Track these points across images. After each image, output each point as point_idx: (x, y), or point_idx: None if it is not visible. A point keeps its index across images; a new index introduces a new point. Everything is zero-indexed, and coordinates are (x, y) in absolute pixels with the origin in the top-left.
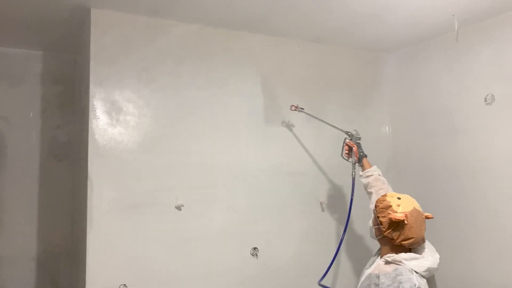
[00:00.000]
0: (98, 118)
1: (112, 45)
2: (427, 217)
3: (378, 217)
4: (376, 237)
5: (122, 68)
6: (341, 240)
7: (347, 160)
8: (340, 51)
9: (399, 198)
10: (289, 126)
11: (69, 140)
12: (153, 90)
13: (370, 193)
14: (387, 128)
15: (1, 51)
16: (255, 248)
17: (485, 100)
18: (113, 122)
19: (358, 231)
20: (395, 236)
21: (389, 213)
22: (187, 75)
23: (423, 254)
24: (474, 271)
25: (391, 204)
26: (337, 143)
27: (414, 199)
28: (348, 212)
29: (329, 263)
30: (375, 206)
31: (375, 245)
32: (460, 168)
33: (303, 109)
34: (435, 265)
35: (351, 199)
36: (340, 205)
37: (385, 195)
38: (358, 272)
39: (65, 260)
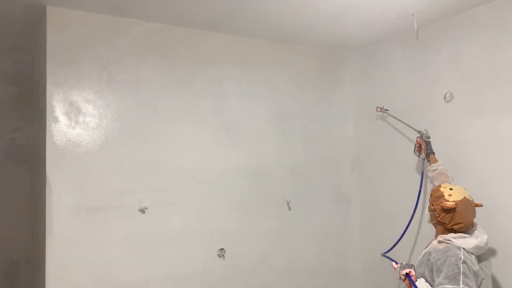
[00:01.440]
0: (56, 119)
1: (70, 44)
2: (476, 205)
3: (432, 204)
4: (431, 221)
5: (81, 68)
6: (409, 222)
7: (418, 156)
8: (304, 50)
9: (451, 189)
10: (253, 126)
11: (27, 143)
12: (113, 90)
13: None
14: (351, 126)
15: None
16: (221, 249)
17: (445, 98)
18: (72, 123)
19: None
20: (447, 221)
21: (442, 201)
22: (149, 74)
23: (473, 234)
24: None
25: (444, 194)
26: (302, 142)
27: (465, 190)
28: (416, 201)
29: (395, 242)
30: (430, 195)
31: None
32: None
33: (387, 110)
34: (482, 244)
35: (420, 191)
36: (306, 203)
37: (439, 186)
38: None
39: (25, 267)
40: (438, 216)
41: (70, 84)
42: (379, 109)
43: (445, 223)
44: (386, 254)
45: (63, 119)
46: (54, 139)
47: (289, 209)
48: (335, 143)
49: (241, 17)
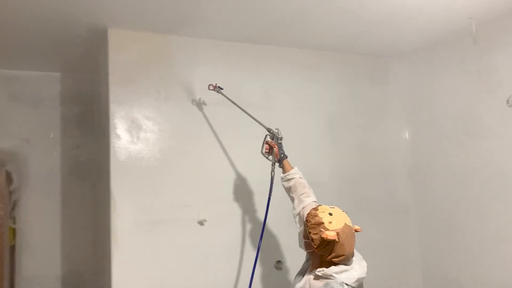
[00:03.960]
0: (119, 136)
1: (130, 64)
2: (356, 231)
3: (310, 232)
4: (306, 250)
5: (141, 86)
6: (258, 247)
7: (267, 158)
8: (354, 58)
9: (330, 214)
10: (304, 137)
11: (89, 159)
12: (171, 106)
13: (292, 198)
14: (406, 134)
15: (20, 74)
16: (279, 261)
17: (507, 102)
18: (133, 139)
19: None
20: (326, 253)
21: (321, 231)
22: (203, 90)
23: (352, 264)
24: (501, 277)
25: (323, 221)
26: (354, 152)
27: (344, 212)
28: (265, 213)
29: (251, 274)
30: (306, 221)
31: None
32: (484, 172)
33: (222, 89)
34: (363, 274)
35: (269, 199)
36: (361, 214)
37: (316, 209)
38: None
39: (90, 279)
40: (316, 247)
41: (131, 102)
42: (211, 87)
43: (323, 255)
44: None
45: (125, 136)
46: (118, 155)
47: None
48: (389, 151)
49: (290, 29)
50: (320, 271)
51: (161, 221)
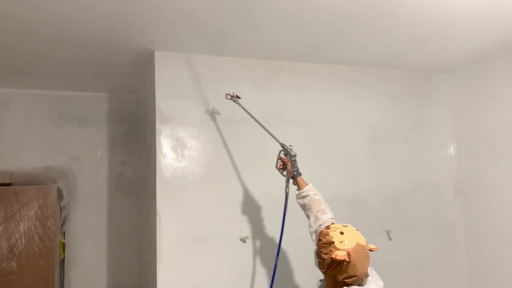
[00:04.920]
0: (164, 154)
1: (175, 85)
2: (371, 250)
3: (321, 252)
4: (320, 269)
5: (186, 106)
6: (275, 265)
7: (281, 173)
8: (396, 73)
9: (342, 233)
10: (347, 153)
11: (134, 176)
12: (214, 124)
13: (307, 215)
14: (452, 150)
15: (70, 95)
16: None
17: None
18: (178, 157)
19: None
20: (338, 274)
21: (331, 250)
22: (246, 107)
23: (368, 284)
24: None
25: (334, 240)
26: (398, 167)
27: (358, 231)
28: (281, 228)
29: None
30: (318, 239)
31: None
32: None
33: (239, 98)
34: None
35: (284, 214)
36: (406, 232)
37: (328, 228)
38: None
39: None
40: (328, 267)
41: (176, 121)
42: (229, 97)
43: (335, 276)
44: None
45: (170, 154)
46: (163, 173)
47: (390, 239)
48: (434, 167)
49: (331, 47)
50: None
51: (204, 238)
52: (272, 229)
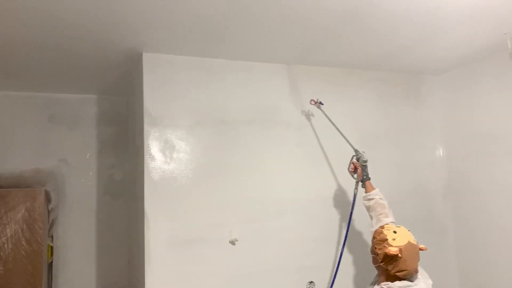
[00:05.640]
0: (153, 157)
1: (164, 87)
2: (421, 249)
3: (375, 248)
4: (373, 264)
5: (175, 108)
6: (341, 255)
7: (352, 176)
8: (387, 75)
9: (395, 232)
10: (338, 155)
11: (123, 178)
12: (203, 127)
13: (371, 217)
14: (441, 152)
15: (59, 97)
16: (311, 282)
17: None
18: (167, 160)
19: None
20: (390, 268)
21: (385, 246)
22: (237, 110)
23: (416, 281)
24: None
25: (387, 237)
26: (388, 170)
27: (409, 231)
28: (346, 228)
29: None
30: (373, 237)
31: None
32: None
33: (322, 104)
34: None
35: (351, 213)
36: None
37: (382, 227)
38: None
39: None
40: (381, 261)
41: (164, 123)
42: (313, 102)
43: (388, 269)
44: None
45: (159, 156)
46: (152, 175)
47: None
48: (424, 169)
49: (322, 50)
50: (385, 284)
51: (193, 240)
52: (261, 231)
